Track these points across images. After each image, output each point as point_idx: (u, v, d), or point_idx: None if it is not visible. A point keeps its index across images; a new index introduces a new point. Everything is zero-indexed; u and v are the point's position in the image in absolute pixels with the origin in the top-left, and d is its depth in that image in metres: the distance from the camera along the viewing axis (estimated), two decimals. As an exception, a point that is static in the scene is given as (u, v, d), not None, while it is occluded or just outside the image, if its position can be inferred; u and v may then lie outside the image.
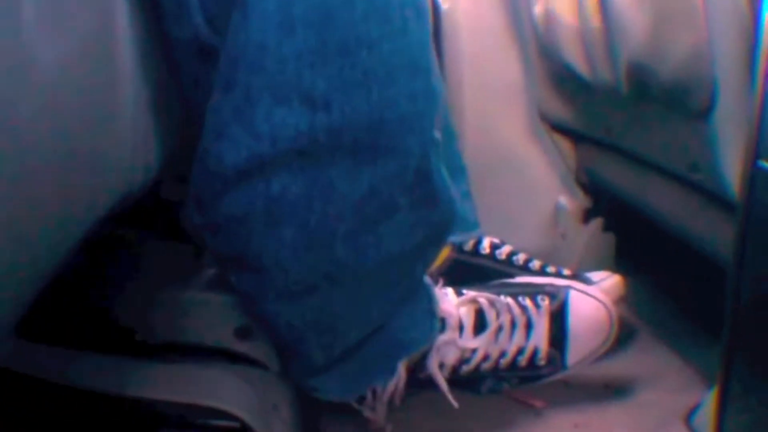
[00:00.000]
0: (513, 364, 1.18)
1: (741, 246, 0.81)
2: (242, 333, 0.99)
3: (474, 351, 1.16)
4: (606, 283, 1.50)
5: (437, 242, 1.03)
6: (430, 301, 1.10)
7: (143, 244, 1.30)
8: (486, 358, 1.16)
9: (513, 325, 1.19)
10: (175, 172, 1.21)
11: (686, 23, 1.08)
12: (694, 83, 1.10)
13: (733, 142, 1.07)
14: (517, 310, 1.20)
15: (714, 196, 1.18)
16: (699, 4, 1.05)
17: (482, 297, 1.17)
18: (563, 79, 1.62)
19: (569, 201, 1.90)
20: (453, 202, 1.01)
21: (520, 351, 1.18)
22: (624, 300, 1.51)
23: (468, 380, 1.17)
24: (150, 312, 0.97)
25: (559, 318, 1.24)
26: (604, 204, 1.85)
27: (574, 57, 1.49)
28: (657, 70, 1.17)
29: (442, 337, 1.15)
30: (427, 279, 1.11)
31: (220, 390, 0.92)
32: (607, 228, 1.80)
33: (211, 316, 0.98)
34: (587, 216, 1.85)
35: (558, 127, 1.84)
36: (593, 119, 1.60)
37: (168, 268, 1.07)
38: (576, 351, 1.22)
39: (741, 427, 0.87)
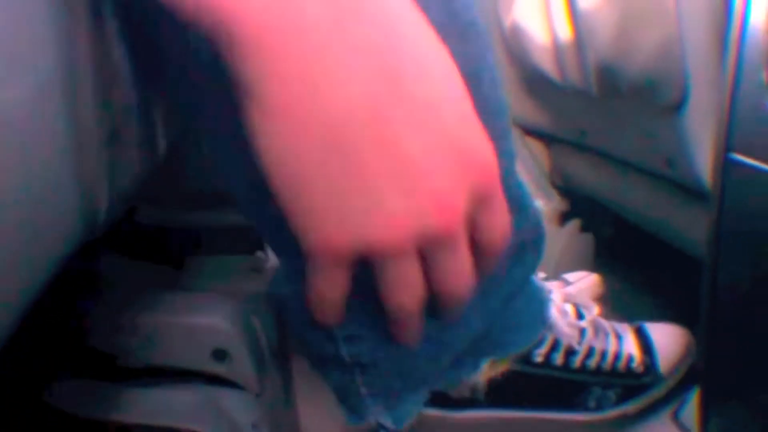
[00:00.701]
0: (614, 368, 1.16)
1: (715, 238, 0.81)
2: (219, 355, 0.98)
3: (582, 335, 1.14)
4: (584, 282, 1.50)
5: (533, 248, 0.99)
6: (536, 303, 1.08)
7: (119, 268, 1.30)
8: (590, 352, 1.14)
9: (605, 332, 1.18)
10: (150, 197, 1.21)
11: (656, 18, 1.08)
12: (665, 78, 1.10)
13: (707, 134, 1.07)
14: (603, 320, 1.20)
15: (690, 191, 1.18)
16: (670, 1, 1.05)
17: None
18: (533, 82, 1.62)
19: (544, 204, 1.89)
20: (535, 207, 0.97)
21: (617, 355, 1.16)
22: (602, 298, 1.51)
23: (576, 389, 1.15)
24: (127, 336, 0.97)
25: (640, 330, 1.24)
26: (581, 205, 1.85)
27: (544, 61, 1.49)
28: (626, 67, 1.16)
29: (554, 308, 1.14)
30: (535, 280, 1.09)
31: (197, 412, 0.92)
32: (584, 229, 1.80)
33: (189, 339, 0.98)
34: (563, 218, 1.85)
35: (530, 131, 1.84)
36: (565, 121, 1.59)
37: (145, 291, 1.06)
38: (666, 360, 1.21)
39: (727, 421, 0.86)
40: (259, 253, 1.55)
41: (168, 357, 0.98)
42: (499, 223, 0.64)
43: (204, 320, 0.99)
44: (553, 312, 1.13)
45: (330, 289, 0.65)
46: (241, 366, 1.00)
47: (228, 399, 0.98)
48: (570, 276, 1.47)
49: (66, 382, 0.95)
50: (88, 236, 0.60)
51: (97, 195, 0.60)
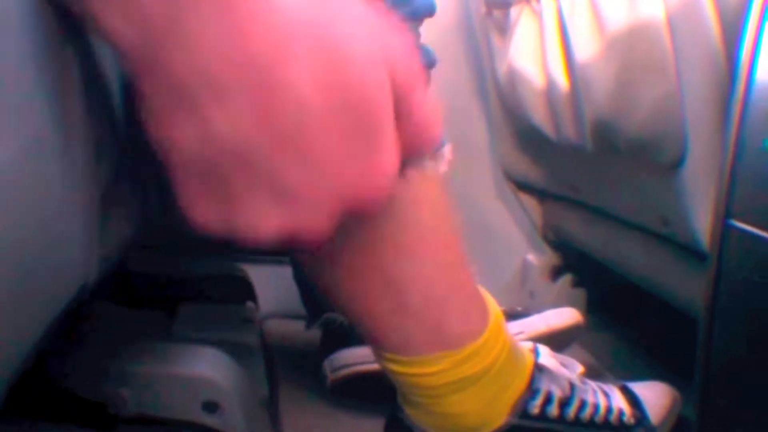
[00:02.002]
0: (607, 420, 1.16)
1: (712, 301, 0.81)
2: (210, 407, 0.98)
3: (572, 388, 1.15)
4: (563, 312, 1.51)
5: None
6: None
7: (111, 316, 1.29)
8: (583, 405, 1.14)
9: (592, 388, 1.19)
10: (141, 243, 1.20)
11: (655, 75, 1.08)
12: (664, 136, 1.09)
13: (704, 194, 1.07)
14: (587, 380, 1.21)
15: (685, 248, 1.18)
16: (670, 55, 1.05)
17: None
18: (527, 137, 1.62)
19: (537, 258, 1.90)
20: None
21: (609, 409, 1.16)
22: (582, 328, 1.51)
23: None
24: (117, 385, 0.96)
25: (625, 388, 1.24)
26: (573, 260, 1.85)
27: (539, 116, 1.49)
28: (624, 124, 1.16)
29: (541, 361, 1.14)
30: None
31: None
32: (576, 284, 1.80)
33: (179, 390, 0.97)
34: (556, 273, 1.85)
35: (523, 186, 1.84)
36: (558, 177, 1.60)
37: (136, 339, 1.05)
38: (655, 412, 1.22)
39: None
40: (250, 303, 1.55)
41: (159, 407, 0.98)
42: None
43: (195, 372, 0.98)
44: (542, 366, 1.14)
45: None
46: (232, 418, 0.99)
47: (220, 452, 0.97)
48: (550, 313, 1.49)
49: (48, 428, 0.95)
50: (81, 296, 0.60)
51: (90, 254, 0.60)
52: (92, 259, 0.60)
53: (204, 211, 0.58)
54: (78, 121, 0.54)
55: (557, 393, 1.13)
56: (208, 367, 0.99)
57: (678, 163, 1.09)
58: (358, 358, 1.38)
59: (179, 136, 0.54)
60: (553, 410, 1.12)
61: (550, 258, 1.88)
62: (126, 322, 1.31)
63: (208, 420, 0.99)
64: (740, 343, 0.79)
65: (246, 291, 1.59)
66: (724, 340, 0.81)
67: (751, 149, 0.74)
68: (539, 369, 1.13)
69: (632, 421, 1.18)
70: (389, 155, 0.59)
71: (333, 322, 1.43)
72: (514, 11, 1.57)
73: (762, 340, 0.74)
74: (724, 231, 0.78)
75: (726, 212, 0.78)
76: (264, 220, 0.57)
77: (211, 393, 0.98)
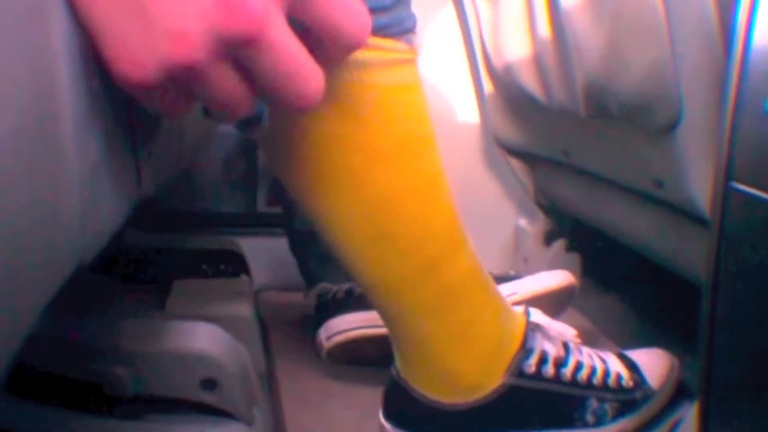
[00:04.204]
0: (605, 383, 1.17)
1: (715, 268, 0.80)
2: (209, 384, 0.97)
3: (566, 348, 1.17)
4: (556, 274, 1.51)
5: None
6: None
7: (106, 291, 1.29)
8: (579, 366, 1.15)
9: (588, 353, 1.20)
10: (137, 220, 1.19)
11: (647, 37, 1.07)
12: (658, 99, 1.08)
13: (700, 156, 1.07)
14: (585, 347, 1.21)
15: (680, 211, 1.18)
16: (662, 16, 1.04)
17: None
18: (517, 102, 1.62)
19: (529, 224, 1.89)
20: None
21: (606, 372, 1.17)
22: (576, 290, 1.51)
23: (572, 403, 1.15)
24: (116, 365, 0.96)
25: (621, 354, 1.25)
26: (566, 225, 1.84)
27: (529, 81, 1.48)
28: (616, 88, 1.15)
29: (533, 320, 1.16)
30: None
31: None
32: (570, 249, 1.79)
33: (177, 368, 0.97)
34: (549, 238, 1.85)
35: (514, 151, 1.83)
36: (550, 142, 1.59)
37: (131, 316, 1.05)
38: (653, 377, 1.22)
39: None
40: (244, 276, 1.55)
41: (157, 386, 0.97)
42: (269, 68, 0.61)
43: (192, 349, 0.98)
44: (535, 325, 1.16)
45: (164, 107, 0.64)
46: (230, 394, 0.99)
47: (219, 428, 0.97)
48: (542, 275, 1.49)
49: (44, 412, 0.94)
50: (76, 270, 0.59)
51: (85, 230, 0.59)
52: (86, 235, 0.60)
53: (128, 42, 0.57)
54: (65, 95, 0.53)
55: (552, 352, 1.14)
56: (205, 343, 0.98)
57: (672, 125, 1.09)
58: (352, 323, 1.38)
59: None
60: (549, 370, 1.13)
61: (543, 223, 1.87)
62: (121, 297, 1.31)
63: (207, 397, 0.98)
64: (745, 309, 0.78)
65: (240, 264, 1.59)
66: (728, 305, 0.81)
67: (752, 110, 0.74)
68: (532, 328, 1.14)
69: (631, 384, 1.18)
70: None
71: (327, 291, 1.43)
72: (501, -24, 1.56)
73: (765, 303, 0.74)
74: (725, 194, 0.77)
75: (727, 175, 0.77)
76: (188, 17, 0.56)
77: (209, 370, 0.97)
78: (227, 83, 0.61)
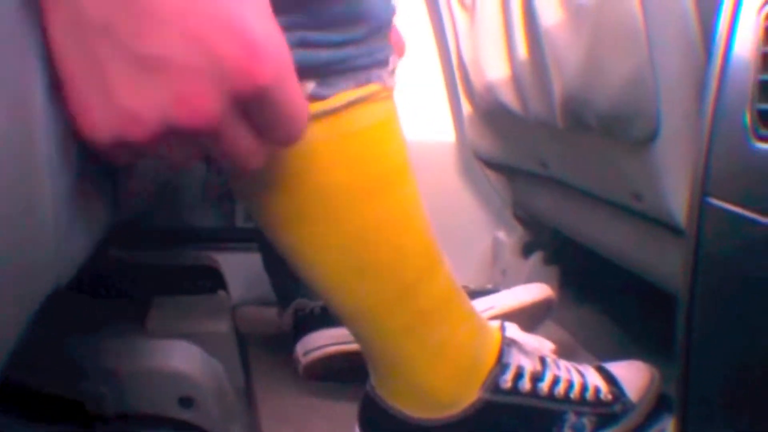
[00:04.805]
0: (583, 397, 1.16)
1: (692, 281, 0.80)
2: (186, 402, 0.97)
3: (543, 363, 1.16)
4: (533, 287, 1.51)
5: None
6: None
7: (85, 309, 1.28)
8: (556, 380, 1.15)
9: (566, 367, 1.19)
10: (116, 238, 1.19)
11: (626, 47, 1.07)
12: (636, 112, 1.08)
13: (678, 169, 1.06)
14: (560, 360, 1.21)
15: (658, 223, 1.18)
16: (641, 27, 1.04)
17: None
18: (495, 114, 1.61)
19: (507, 236, 1.89)
20: None
21: (584, 386, 1.17)
22: (554, 303, 1.51)
23: (550, 418, 1.14)
24: (97, 383, 0.96)
25: (601, 368, 1.25)
26: (545, 237, 1.84)
27: (506, 93, 1.48)
28: (594, 100, 1.15)
29: (509, 335, 1.15)
30: None
31: None
32: (549, 261, 1.79)
33: (155, 386, 0.97)
34: (527, 250, 1.85)
35: (491, 163, 1.83)
36: (528, 154, 1.59)
37: (111, 334, 1.05)
38: (633, 390, 1.21)
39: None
40: (222, 292, 1.55)
41: (136, 404, 0.97)
42: (283, 123, 0.67)
43: (169, 368, 0.98)
44: (511, 340, 1.15)
45: (122, 159, 0.66)
46: (208, 411, 0.99)
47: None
48: (519, 288, 1.49)
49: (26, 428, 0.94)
50: (53, 291, 0.59)
51: (61, 251, 0.59)
52: (63, 257, 0.60)
53: (90, 109, 0.60)
54: (40, 117, 0.53)
55: (528, 367, 1.14)
56: (181, 362, 0.99)
57: (650, 138, 1.09)
58: (329, 339, 1.38)
59: (56, 17, 0.58)
60: (525, 384, 1.13)
61: (522, 235, 1.87)
62: (100, 314, 1.30)
63: (185, 415, 0.99)
64: (721, 321, 0.78)
65: (217, 280, 1.59)
66: (704, 318, 0.81)
67: (729, 126, 0.74)
68: (507, 344, 1.14)
69: (610, 397, 1.18)
70: (260, 20, 0.62)
71: (304, 307, 1.43)
72: (478, -13, 1.56)
73: (743, 318, 0.74)
74: (701, 209, 0.77)
75: (703, 190, 0.77)
76: (144, 102, 0.59)
77: (187, 388, 0.98)
78: (178, 154, 0.66)
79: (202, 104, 0.60)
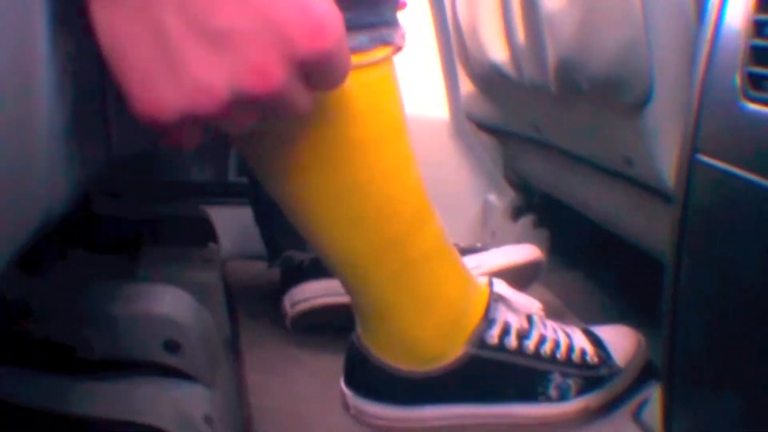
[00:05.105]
0: (569, 358, 1.17)
1: (679, 241, 0.81)
2: (171, 346, 0.97)
3: (530, 321, 1.17)
4: (523, 247, 1.52)
5: None
6: None
7: (77, 260, 1.29)
8: (543, 339, 1.16)
9: (552, 327, 1.20)
10: (106, 188, 1.20)
11: (621, 14, 1.07)
12: (629, 77, 1.09)
13: (670, 134, 1.07)
14: (548, 320, 1.22)
15: (650, 189, 1.18)
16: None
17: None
18: (489, 78, 1.61)
19: (498, 199, 1.89)
20: None
21: (570, 347, 1.18)
22: (543, 265, 1.52)
23: (535, 377, 1.15)
24: (84, 327, 0.96)
25: (587, 330, 1.26)
26: (535, 200, 1.85)
27: (500, 56, 1.48)
28: (588, 65, 1.16)
29: (497, 291, 1.16)
30: None
31: (152, 406, 0.91)
32: (538, 224, 1.79)
33: (141, 330, 0.97)
34: (518, 213, 1.85)
35: (484, 126, 1.83)
36: (521, 117, 1.59)
37: (99, 282, 1.05)
38: (619, 355, 1.22)
39: (690, 419, 0.86)
40: (212, 245, 1.55)
41: (122, 348, 0.97)
42: (334, 77, 0.72)
43: (155, 311, 0.98)
44: (498, 296, 1.16)
45: (179, 142, 0.71)
46: (193, 357, 0.99)
47: (181, 391, 0.97)
48: (508, 248, 1.49)
49: (15, 373, 0.94)
50: (44, 228, 0.59)
51: (53, 186, 0.59)
52: (55, 192, 0.60)
53: (154, 87, 0.63)
54: (40, 55, 0.54)
55: (515, 324, 1.15)
56: (168, 306, 0.99)
57: (643, 103, 1.09)
58: (316, 291, 1.38)
59: (124, 12, 0.61)
60: (512, 341, 1.13)
61: (512, 198, 1.88)
62: (91, 266, 1.31)
63: (170, 360, 0.98)
64: (707, 282, 0.79)
65: (208, 232, 1.58)
66: (691, 280, 0.81)
67: (719, 87, 0.74)
68: (495, 299, 1.14)
69: (596, 360, 1.18)
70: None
71: (292, 260, 1.43)
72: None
73: (730, 278, 0.74)
74: (691, 165, 0.78)
75: (693, 147, 0.78)
76: (213, 73, 0.63)
77: (172, 332, 0.98)
78: (241, 121, 0.70)
79: (271, 72, 0.64)
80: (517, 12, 1.36)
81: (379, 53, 0.94)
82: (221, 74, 0.63)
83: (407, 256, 1.04)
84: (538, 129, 1.52)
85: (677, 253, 0.82)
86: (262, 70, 0.64)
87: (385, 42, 0.95)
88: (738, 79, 0.72)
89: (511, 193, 1.89)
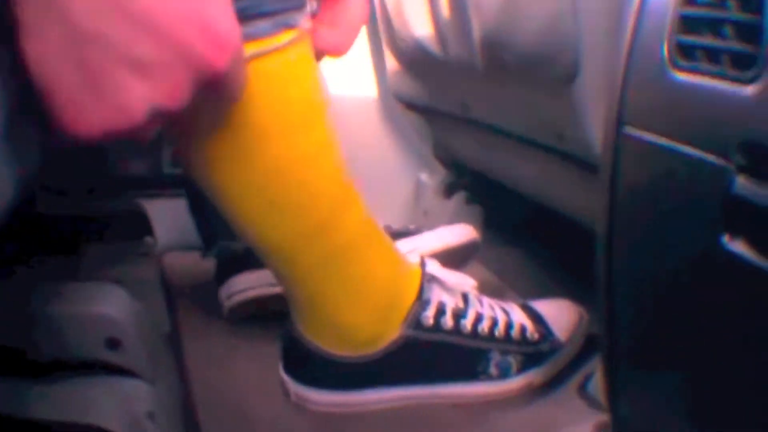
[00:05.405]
0: (508, 335, 1.17)
1: (609, 214, 0.81)
2: (112, 344, 0.97)
3: (466, 300, 1.18)
4: (457, 228, 1.52)
5: None
6: None
7: (20, 261, 1.28)
8: (479, 317, 1.16)
9: (489, 304, 1.21)
10: (51, 186, 1.19)
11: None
12: (556, 52, 1.09)
13: (599, 108, 1.07)
14: (484, 297, 1.23)
15: (582, 163, 1.18)
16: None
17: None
18: (414, 56, 1.61)
19: (430, 177, 1.90)
20: None
21: (509, 324, 1.18)
22: (479, 245, 1.52)
23: (474, 356, 1.16)
24: (31, 328, 0.96)
25: (526, 306, 1.27)
26: (467, 177, 1.85)
27: (425, 36, 1.47)
28: (514, 41, 1.16)
29: (429, 271, 1.17)
30: None
31: (97, 405, 0.92)
32: (472, 201, 1.80)
33: (83, 329, 0.97)
34: (450, 190, 1.85)
35: (412, 105, 1.83)
36: (448, 96, 1.59)
37: (41, 281, 1.05)
38: (561, 329, 1.23)
39: (634, 390, 0.86)
40: (148, 238, 1.54)
41: (68, 348, 0.98)
42: (230, 86, 0.77)
43: (94, 310, 0.98)
44: (432, 276, 1.17)
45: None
46: (134, 354, 1.00)
47: (124, 389, 0.97)
48: (444, 229, 1.50)
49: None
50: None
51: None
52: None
53: (80, 109, 0.68)
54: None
55: (450, 304, 1.16)
56: (106, 304, 0.99)
57: (571, 78, 1.09)
58: (251, 282, 1.39)
59: (47, 35, 0.64)
60: (448, 321, 1.14)
61: (444, 176, 1.88)
62: (30, 265, 1.30)
63: (112, 357, 0.99)
64: (639, 253, 0.79)
65: (144, 226, 1.58)
66: (622, 251, 0.82)
67: (646, 57, 0.75)
68: (428, 279, 1.15)
69: (536, 336, 1.19)
70: (223, 16, 0.72)
71: (227, 249, 1.43)
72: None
73: (662, 250, 0.75)
74: (617, 138, 0.78)
75: (619, 119, 0.78)
76: (133, 96, 0.68)
77: (111, 330, 0.98)
78: (150, 128, 0.74)
79: (180, 91, 0.70)
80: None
81: (283, 38, 0.95)
82: (139, 96, 0.68)
83: (333, 242, 1.05)
84: (467, 107, 1.52)
85: (608, 223, 0.82)
86: (175, 90, 0.70)
87: (289, 26, 0.95)
88: (666, 49, 0.72)
89: (442, 171, 1.89)
